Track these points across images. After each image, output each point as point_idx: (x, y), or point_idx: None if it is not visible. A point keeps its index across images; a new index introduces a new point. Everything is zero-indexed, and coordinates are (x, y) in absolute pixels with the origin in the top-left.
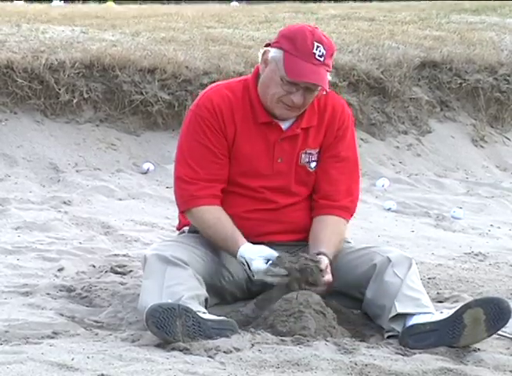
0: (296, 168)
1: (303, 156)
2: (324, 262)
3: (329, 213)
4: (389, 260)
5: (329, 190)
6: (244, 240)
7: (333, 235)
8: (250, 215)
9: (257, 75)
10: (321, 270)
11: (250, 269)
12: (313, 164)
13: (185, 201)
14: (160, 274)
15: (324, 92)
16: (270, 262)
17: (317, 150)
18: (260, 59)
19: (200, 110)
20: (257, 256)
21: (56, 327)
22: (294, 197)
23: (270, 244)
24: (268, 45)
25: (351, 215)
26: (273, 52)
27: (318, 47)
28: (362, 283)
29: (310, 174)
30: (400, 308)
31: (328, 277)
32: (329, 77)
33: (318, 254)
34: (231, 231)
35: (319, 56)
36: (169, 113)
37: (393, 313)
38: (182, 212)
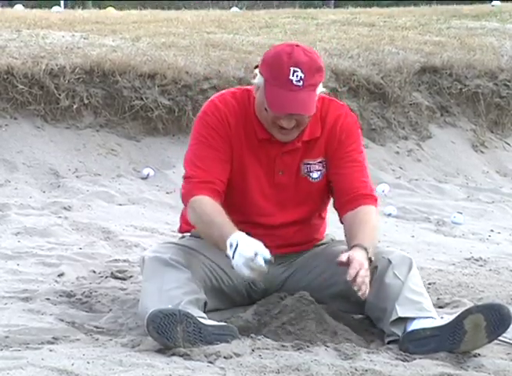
0: (297, 179)
1: (302, 167)
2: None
3: (354, 207)
4: (389, 262)
5: (349, 188)
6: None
7: (363, 226)
8: (244, 228)
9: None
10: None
11: (234, 252)
12: (315, 175)
13: (187, 192)
14: (159, 277)
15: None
16: (260, 255)
17: (317, 160)
18: (253, 79)
19: (207, 116)
20: (250, 244)
21: (56, 333)
22: (293, 216)
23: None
24: (257, 66)
25: (376, 201)
26: (258, 79)
27: (295, 72)
28: None
29: (312, 185)
30: (401, 312)
31: (352, 271)
32: (321, 89)
33: (353, 247)
34: (229, 221)
35: (296, 81)
36: (169, 118)
37: (394, 317)
38: (186, 206)
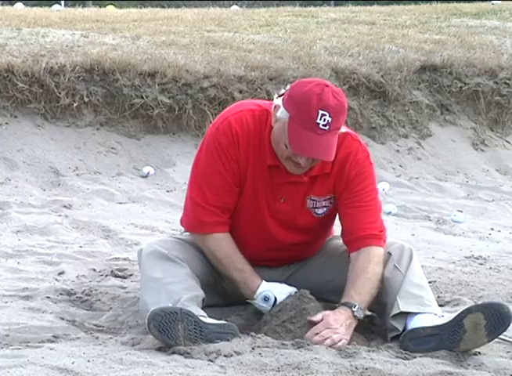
0: (302, 210)
1: (308, 201)
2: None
3: (358, 248)
4: (389, 254)
5: (355, 229)
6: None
7: (358, 277)
8: (251, 245)
9: (274, 111)
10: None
11: (274, 304)
12: (320, 211)
13: (194, 225)
14: (158, 271)
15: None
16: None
17: (325, 198)
18: (272, 108)
19: (219, 135)
20: (282, 291)
21: (57, 331)
22: (293, 239)
23: (267, 267)
24: (281, 95)
25: (381, 241)
26: (280, 112)
27: (323, 115)
28: None
29: (315, 219)
30: (403, 306)
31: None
32: (343, 129)
33: (340, 304)
34: (248, 266)
35: (323, 125)
36: (169, 116)
37: (395, 311)
38: (186, 230)
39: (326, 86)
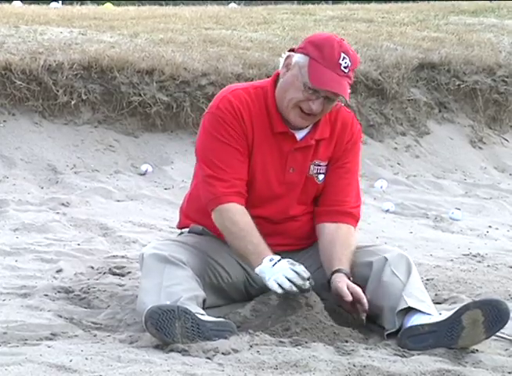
0: (306, 178)
1: (311, 167)
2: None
3: (337, 220)
4: (386, 259)
5: (337, 200)
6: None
7: (345, 249)
8: (256, 218)
9: (275, 81)
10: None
11: (275, 263)
12: (321, 177)
13: (212, 199)
14: (158, 273)
15: (343, 104)
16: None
17: (326, 163)
18: (281, 64)
19: (221, 112)
20: (290, 260)
21: (55, 329)
22: (295, 212)
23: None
24: (291, 50)
25: (357, 222)
26: (297, 58)
27: (344, 58)
28: (360, 284)
29: (316, 186)
30: (410, 302)
31: (350, 297)
32: (348, 90)
33: (334, 272)
34: (264, 242)
35: (344, 67)
36: (167, 114)
37: (403, 306)
38: (211, 211)
39: (342, 39)
